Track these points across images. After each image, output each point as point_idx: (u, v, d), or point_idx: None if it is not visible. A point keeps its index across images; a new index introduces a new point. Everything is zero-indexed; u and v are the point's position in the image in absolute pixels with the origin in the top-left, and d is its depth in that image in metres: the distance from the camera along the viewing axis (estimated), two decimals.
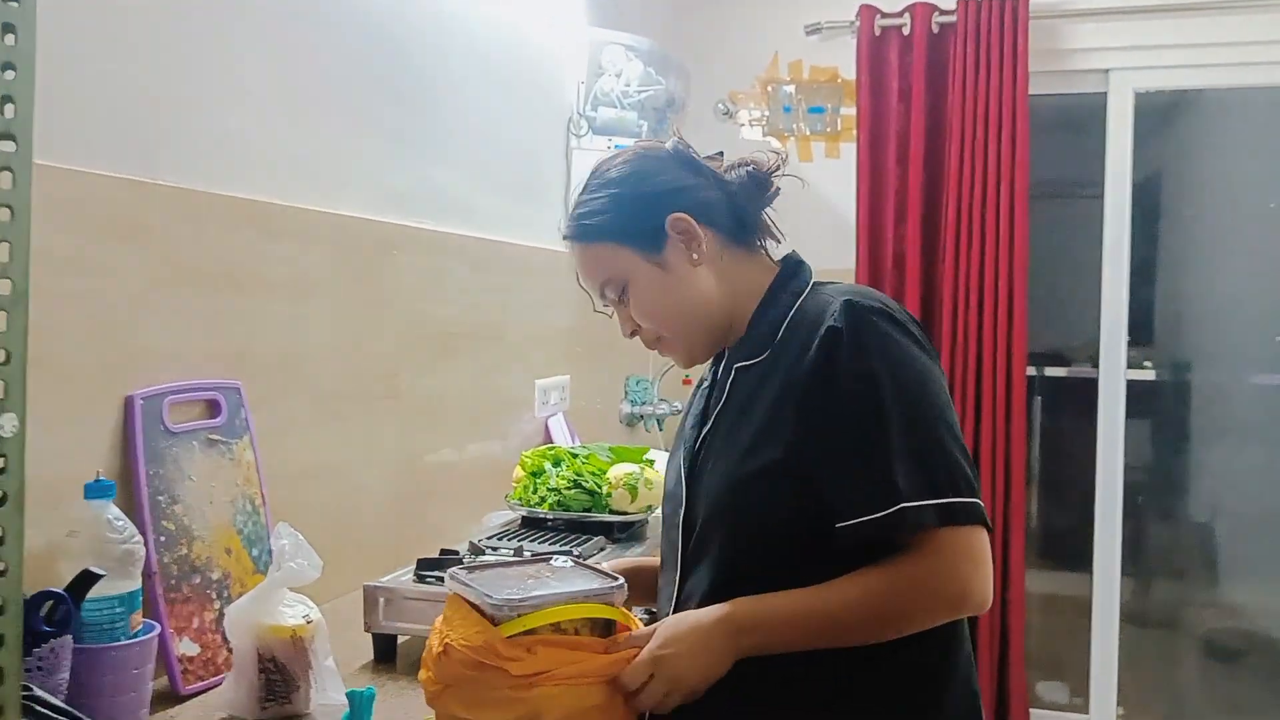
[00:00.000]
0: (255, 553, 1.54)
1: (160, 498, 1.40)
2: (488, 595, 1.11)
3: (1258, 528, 4.18)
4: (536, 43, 2.61)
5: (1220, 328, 4.15)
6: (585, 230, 1.28)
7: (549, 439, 2.64)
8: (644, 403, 3.24)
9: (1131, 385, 3.61)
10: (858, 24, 3.41)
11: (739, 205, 1.30)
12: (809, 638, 1.10)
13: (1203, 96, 3.71)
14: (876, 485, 1.08)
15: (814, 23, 3.49)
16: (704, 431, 1.27)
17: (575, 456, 1.97)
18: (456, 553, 1.67)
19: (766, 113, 3.60)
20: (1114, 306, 3.52)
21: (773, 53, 3.57)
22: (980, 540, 1.09)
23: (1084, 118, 3.73)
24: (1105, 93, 3.45)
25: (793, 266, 1.31)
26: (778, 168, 1.32)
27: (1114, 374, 3.56)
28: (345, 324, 1.85)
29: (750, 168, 1.32)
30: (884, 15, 3.40)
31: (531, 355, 2.60)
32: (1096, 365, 3.61)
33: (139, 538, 1.25)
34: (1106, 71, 3.44)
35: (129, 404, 1.38)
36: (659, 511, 1.46)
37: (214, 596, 1.45)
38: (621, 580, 1.17)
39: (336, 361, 1.82)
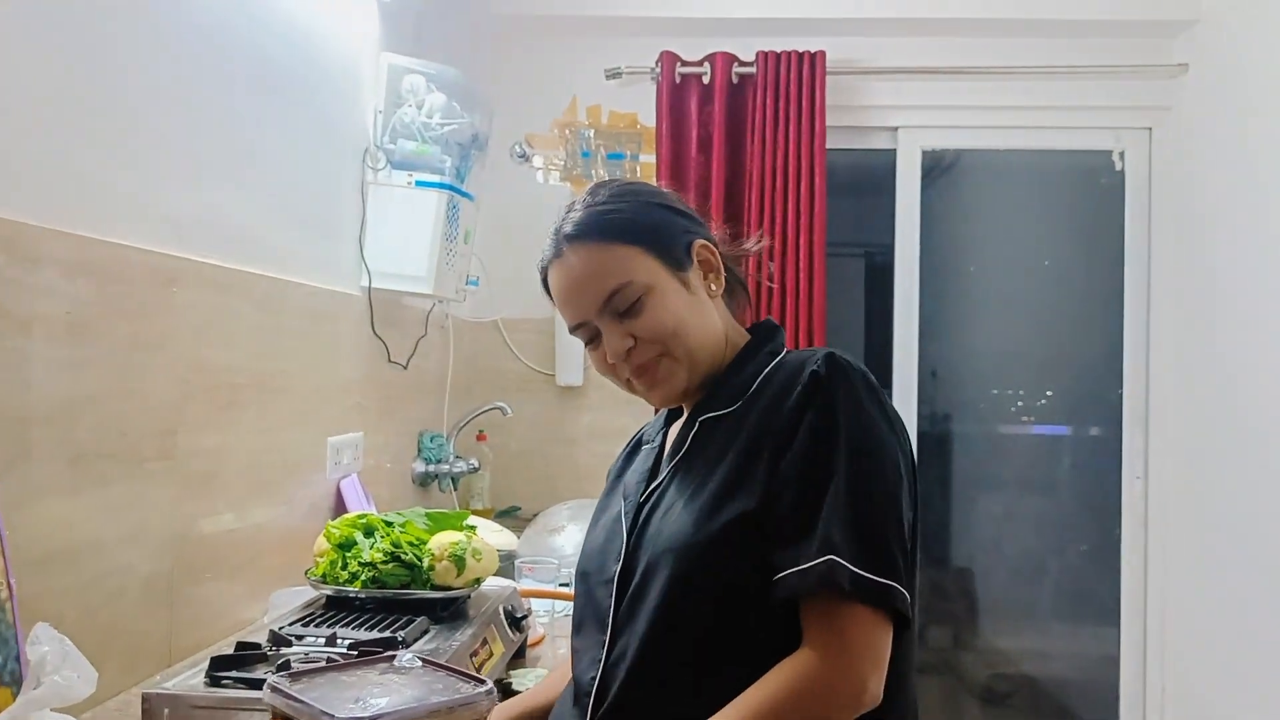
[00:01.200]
0: (0, 661, 1.22)
1: None
2: (325, 713, 0.88)
3: (1009, 572, 4.38)
4: (331, 64, 2.36)
5: (974, 380, 4.34)
6: (609, 227, 1.21)
7: (341, 503, 2.36)
8: (439, 460, 3.00)
9: None
10: (658, 70, 3.35)
11: (727, 261, 1.31)
12: None
13: (965, 158, 3.88)
14: (811, 538, 1.04)
15: (614, 67, 3.41)
16: (654, 485, 1.23)
17: (390, 525, 1.73)
18: (258, 646, 1.40)
19: (564, 157, 3.47)
20: (905, 360, 3.59)
21: (571, 95, 3.45)
22: (886, 638, 1.05)
23: (859, 177, 3.82)
24: (894, 149, 3.54)
25: (770, 329, 1.29)
26: (744, 253, 1.37)
27: (906, 421, 3.60)
28: (112, 371, 1.54)
29: (728, 229, 1.36)
30: (684, 63, 3.35)
31: (321, 410, 2.32)
32: None
33: None
34: (895, 129, 3.53)
35: None
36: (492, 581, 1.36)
37: None
38: (489, 684, 0.98)
39: (99, 416, 1.51)
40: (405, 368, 2.76)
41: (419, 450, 3.00)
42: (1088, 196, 3.89)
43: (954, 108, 3.48)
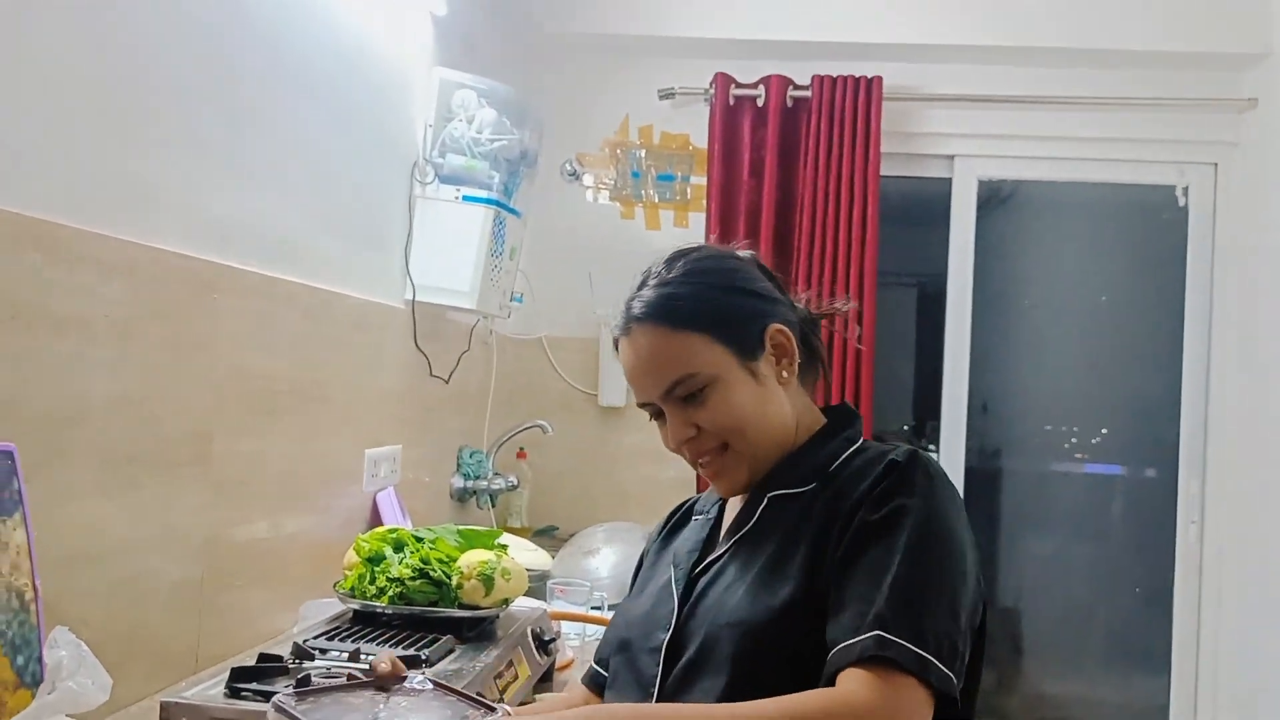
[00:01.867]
0: (20, 661, 1.20)
1: None
2: None
3: (1058, 614, 4.27)
4: (383, 76, 2.37)
5: (1026, 416, 4.25)
6: (675, 314, 1.17)
7: (376, 516, 2.35)
8: (477, 476, 2.98)
9: None
10: (712, 92, 3.33)
11: (807, 334, 1.27)
12: None
13: (1023, 189, 3.82)
14: (865, 613, 1.01)
15: (668, 88, 3.39)
16: (711, 557, 1.19)
17: (420, 541, 1.70)
18: (280, 659, 1.37)
19: (614, 176, 3.46)
20: (955, 391, 3.52)
21: (623, 115, 3.44)
22: (916, 704, 0.99)
23: (911, 206, 3.77)
24: (950, 178, 3.48)
25: (848, 415, 1.26)
26: (828, 310, 1.32)
27: (954, 459, 3.54)
28: (148, 375, 1.53)
29: (807, 300, 1.30)
30: (739, 85, 3.33)
31: (362, 421, 2.31)
32: (924, 449, 3.59)
33: None
34: (952, 158, 3.47)
35: None
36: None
37: None
38: (500, 710, 0.95)
39: (134, 419, 1.51)
40: (447, 382, 2.75)
41: (458, 465, 2.98)
42: (1149, 232, 3.80)
43: (1013, 137, 3.41)
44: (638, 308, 1.19)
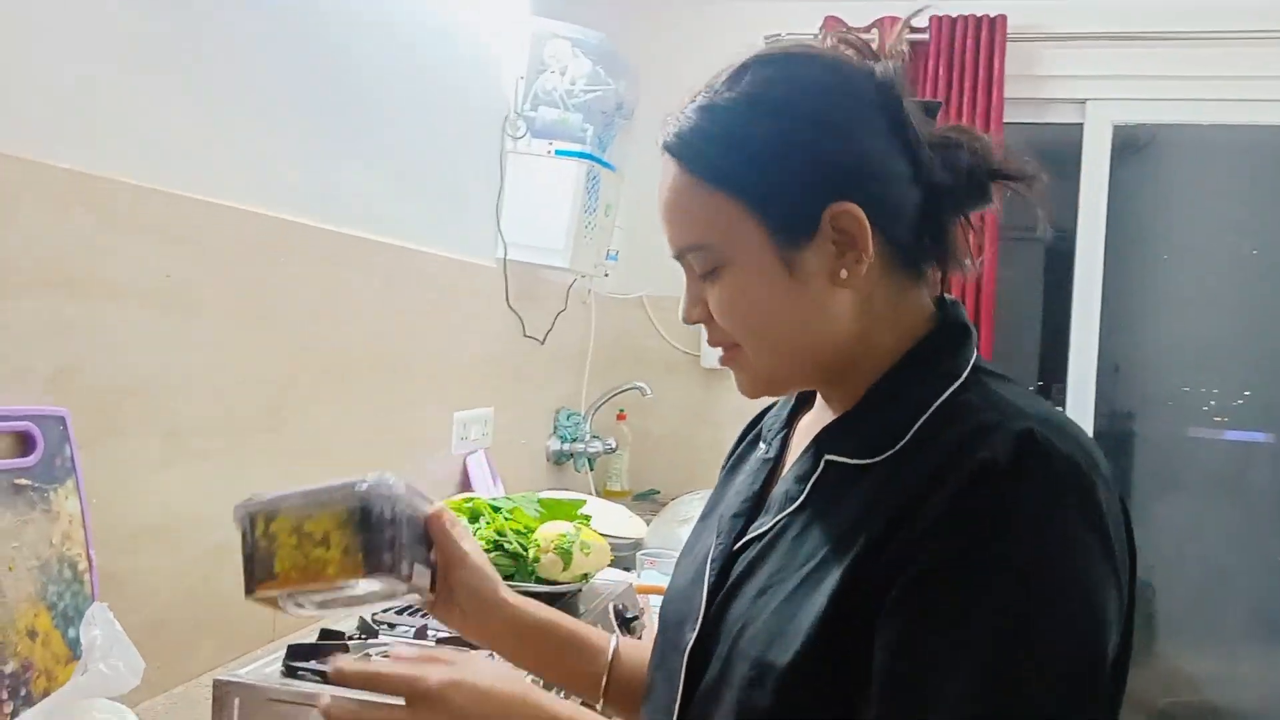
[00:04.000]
0: (73, 634, 1.17)
1: None
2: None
3: (1195, 587, 4.03)
4: (472, 27, 2.28)
5: (1161, 377, 4.00)
6: (704, 160, 0.85)
7: (467, 480, 2.30)
8: (574, 439, 2.91)
9: None
10: (821, 37, 3.15)
11: (935, 209, 0.87)
12: None
13: (1162, 134, 3.54)
14: (916, 689, 0.71)
15: (774, 34, 3.22)
16: (756, 530, 0.89)
17: (498, 511, 1.64)
18: (340, 635, 1.32)
19: None
20: (1083, 352, 3.30)
21: (725, 64, 3.29)
22: None
23: (1037, 155, 3.54)
24: (1081, 124, 3.24)
25: (957, 330, 0.88)
26: (1018, 168, 0.88)
27: (1082, 423, 3.31)
28: (217, 341, 1.49)
29: (975, 149, 0.87)
30: (850, 29, 3.14)
31: (449, 384, 2.25)
32: None
33: None
34: (1084, 102, 3.23)
35: None
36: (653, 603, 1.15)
37: (4, 697, 1.08)
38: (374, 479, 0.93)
39: (201, 388, 1.46)
40: (542, 343, 2.68)
41: (555, 428, 2.92)
42: None
43: (1151, 78, 3.14)
44: (671, 129, 0.87)
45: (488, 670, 0.86)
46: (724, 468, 1.10)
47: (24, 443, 1.16)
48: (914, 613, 0.73)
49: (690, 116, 0.86)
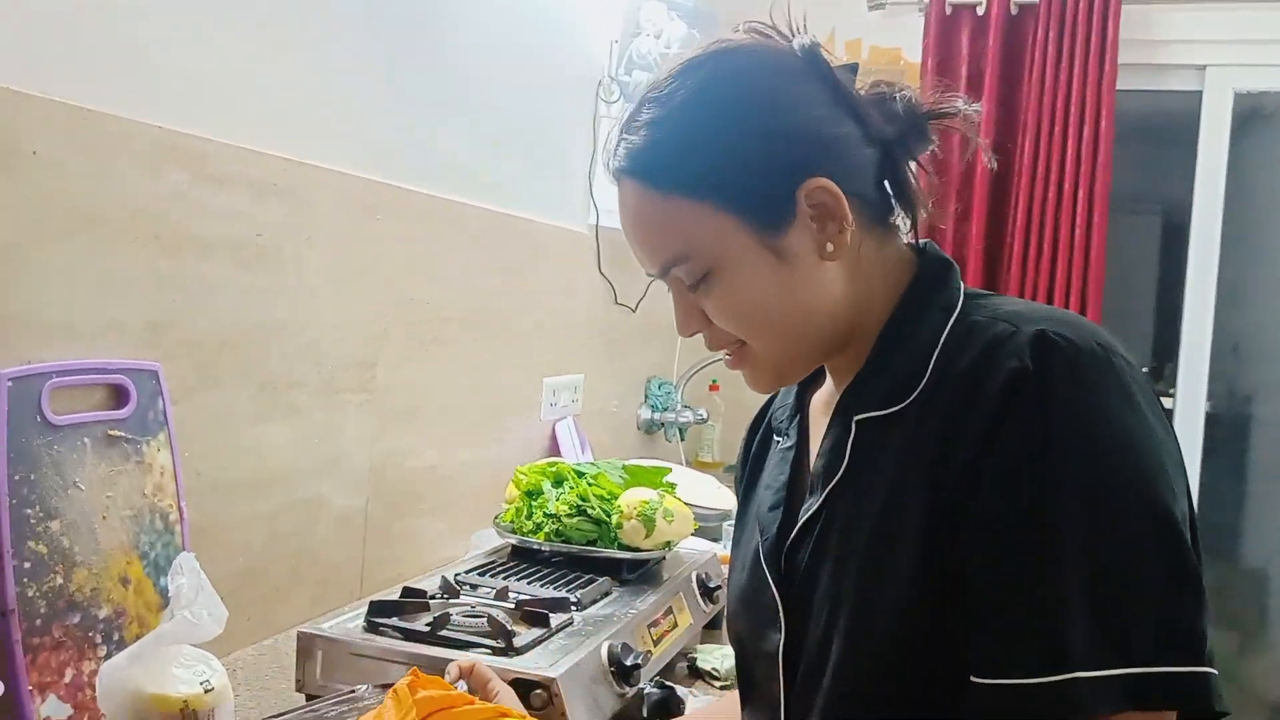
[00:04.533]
0: (164, 584, 1.20)
1: (28, 510, 1.06)
2: None
3: None
4: None
5: None
6: (663, 171, 0.83)
7: (555, 446, 2.30)
8: (665, 409, 2.90)
9: None
10: (927, 2, 3.05)
11: (890, 162, 0.87)
12: None
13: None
14: (1035, 639, 0.70)
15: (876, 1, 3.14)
16: (804, 515, 0.87)
17: (581, 476, 1.63)
18: (423, 593, 1.33)
19: None
20: (1197, 332, 3.15)
21: (829, 29, 3.22)
22: None
23: (1153, 124, 3.39)
24: (1200, 91, 3.08)
25: (939, 265, 0.89)
26: (945, 106, 0.88)
27: (1193, 405, 3.18)
28: (308, 299, 1.51)
29: (905, 98, 0.87)
30: None
31: (540, 349, 2.26)
32: (1163, 394, 3.25)
33: None
34: (1203, 68, 3.07)
35: None
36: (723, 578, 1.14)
37: (98, 641, 1.12)
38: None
39: (294, 344, 1.49)
40: (634, 310, 2.66)
41: (646, 396, 2.91)
42: None
43: (1277, 42, 2.98)
44: (621, 153, 0.85)
45: None
46: (741, 469, 1.10)
47: (118, 395, 1.19)
48: (998, 545, 0.73)
49: (637, 135, 0.85)
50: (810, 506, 0.87)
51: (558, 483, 1.62)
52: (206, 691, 1.00)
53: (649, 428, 2.90)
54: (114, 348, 1.19)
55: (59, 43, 1.11)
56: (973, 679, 0.73)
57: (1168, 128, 3.29)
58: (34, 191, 1.08)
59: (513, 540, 1.59)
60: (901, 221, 0.91)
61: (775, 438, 1.00)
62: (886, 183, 0.89)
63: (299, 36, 1.46)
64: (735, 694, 1.05)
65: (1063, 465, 0.71)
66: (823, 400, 0.95)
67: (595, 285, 2.49)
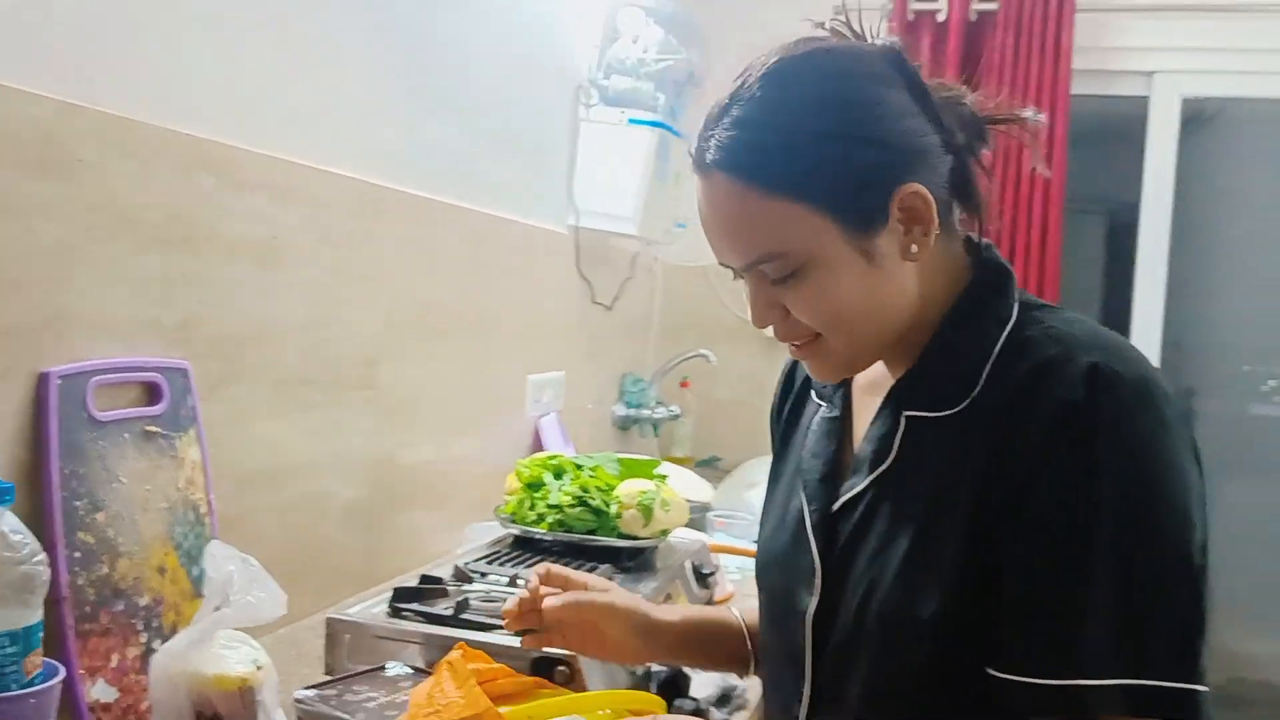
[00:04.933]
0: (195, 573, 1.25)
1: (78, 503, 1.11)
2: None
3: (1257, 568, 4.01)
4: None
5: (1224, 355, 3.98)
6: (763, 171, 0.84)
7: (539, 442, 2.36)
8: (640, 405, 2.97)
9: None
10: (890, 6, 3.16)
11: (961, 164, 0.91)
12: None
13: (1230, 108, 3.51)
14: (1051, 642, 0.78)
15: (842, 3, 3.23)
16: (850, 493, 0.93)
17: (580, 469, 1.70)
18: (439, 580, 1.39)
19: None
20: (1147, 329, 3.29)
21: (797, 32, 3.31)
22: None
23: (1103, 127, 3.52)
24: (1148, 96, 3.22)
25: (998, 271, 0.93)
26: (1008, 114, 0.94)
27: None
28: (319, 298, 1.56)
29: (970, 102, 0.92)
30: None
31: (525, 347, 2.32)
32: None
33: (42, 556, 0.96)
34: (1151, 74, 3.21)
35: (43, 383, 1.09)
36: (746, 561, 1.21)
37: (140, 627, 1.17)
38: None
39: (306, 342, 1.54)
40: (610, 309, 2.73)
41: (621, 393, 2.98)
42: None
43: (1221, 50, 3.12)
44: (714, 147, 0.87)
45: None
46: (776, 423, 1.15)
47: (152, 392, 1.24)
48: (1032, 555, 0.79)
49: (733, 130, 0.86)
50: (853, 486, 0.93)
51: (558, 475, 1.69)
52: (259, 669, 1.05)
53: (624, 424, 2.97)
54: (149, 346, 1.23)
55: (103, 57, 1.16)
56: (989, 669, 0.81)
57: (1115, 131, 3.42)
58: (81, 196, 1.13)
59: (515, 530, 1.65)
60: (962, 222, 0.95)
61: (818, 401, 1.04)
62: (956, 184, 0.92)
63: (312, 47, 1.52)
64: (730, 609, 1.17)
65: (1106, 492, 0.77)
66: (871, 380, 0.99)
67: (574, 285, 2.55)
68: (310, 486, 1.58)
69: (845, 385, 1.02)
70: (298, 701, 1.05)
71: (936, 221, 0.88)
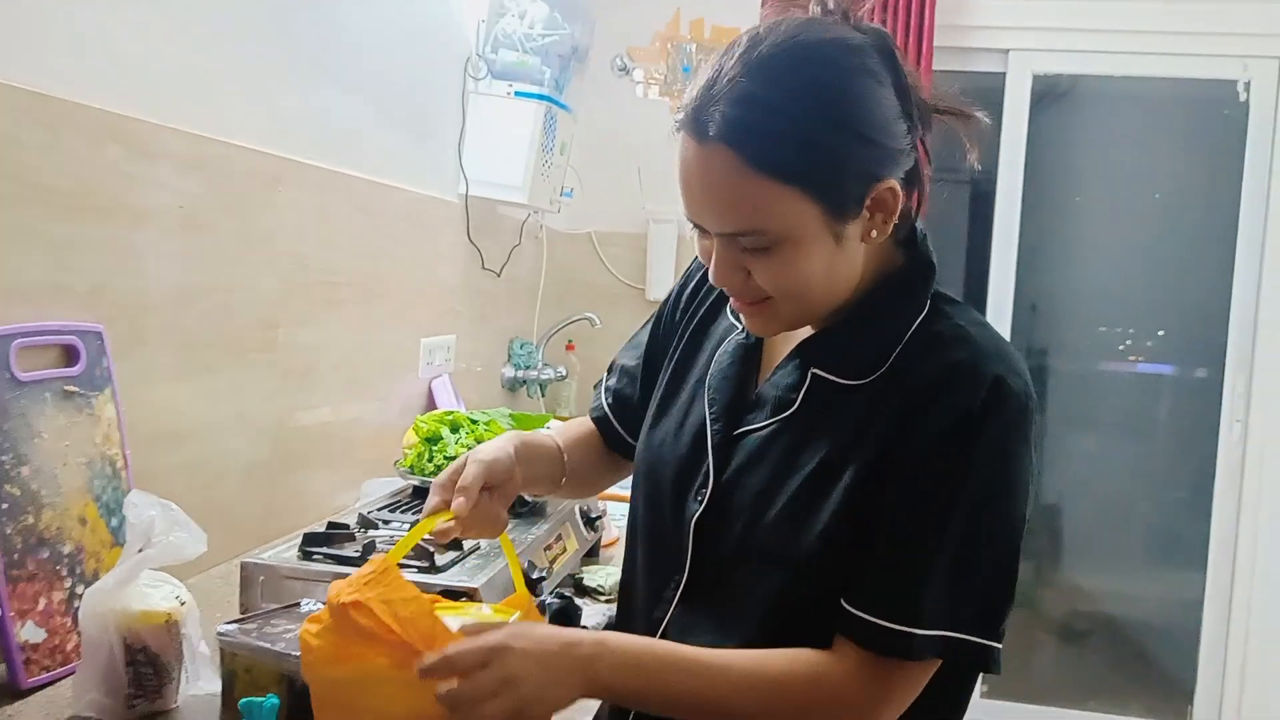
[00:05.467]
0: (114, 523, 1.33)
1: (3, 458, 1.18)
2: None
3: (1105, 512, 4.33)
4: None
5: (1075, 316, 4.25)
6: (766, 154, 0.89)
7: (432, 402, 2.46)
8: (527, 367, 3.08)
9: None
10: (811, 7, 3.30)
11: (917, 159, 1.00)
12: (673, 707, 0.94)
13: (1081, 84, 3.76)
14: (903, 595, 0.93)
15: None
16: (754, 425, 1.05)
17: (475, 423, 1.81)
18: (346, 526, 1.49)
19: (665, 71, 3.47)
20: (1000, 291, 3.54)
21: (675, 8, 3.43)
22: (921, 680, 0.96)
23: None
24: (1004, 73, 3.44)
25: (925, 264, 1.03)
26: (960, 107, 1.04)
27: None
28: (221, 264, 1.63)
29: (917, 91, 0.99)
30: None
31: (416, 312, 2.41)
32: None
33: None
34: (1006, 51, 3.43)
35: None
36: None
37: (64, 574, 1.24)
38: None
39: (207, 306, 1.61)
40: (499, 275, 2.83)
41: (509, 356, 3.08)
42: (1208, 128, 3.74)
43: (1070, 30, 3.35)
44: (719, 120, 0.90)
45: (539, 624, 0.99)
46: (675, 312, 1.23)
47: (69, 354, 1.30)
48: (902, 519, 0.95)
49: (741, 108, 0.89)
50: (754, 422, 1.05)
51: (455, 429, 1.79)
52: (182, 604, 1.15)
53: (513, 385, 3.08)
54: (64, 310, 1.30)
55: (14, 32, 1.22)
56: (843, 602, 0.96)
57: (978, 105, 3.63)
58: None
59: (414, 481, 1.75)
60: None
61: (732, 321, 1.13)
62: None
63: (213, 22, 1.58)
64: (548, 433, 1.29)
65: (971, 487, 0.93)
66: (776, 342, 1.09)
67: (465, 252, 2.65)
68: (213, 446, 1.66)
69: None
70: (220, 634, 1.15)
71: (897, 213, 0.96)
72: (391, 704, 0.88)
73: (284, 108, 1.79)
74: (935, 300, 1.03)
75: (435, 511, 1.06)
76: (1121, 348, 4.25)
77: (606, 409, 1.32)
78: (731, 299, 1.03)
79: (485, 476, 1.07)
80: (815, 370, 1.02)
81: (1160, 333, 4.10)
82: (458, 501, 1.04)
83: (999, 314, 3.54)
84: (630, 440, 1.25)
